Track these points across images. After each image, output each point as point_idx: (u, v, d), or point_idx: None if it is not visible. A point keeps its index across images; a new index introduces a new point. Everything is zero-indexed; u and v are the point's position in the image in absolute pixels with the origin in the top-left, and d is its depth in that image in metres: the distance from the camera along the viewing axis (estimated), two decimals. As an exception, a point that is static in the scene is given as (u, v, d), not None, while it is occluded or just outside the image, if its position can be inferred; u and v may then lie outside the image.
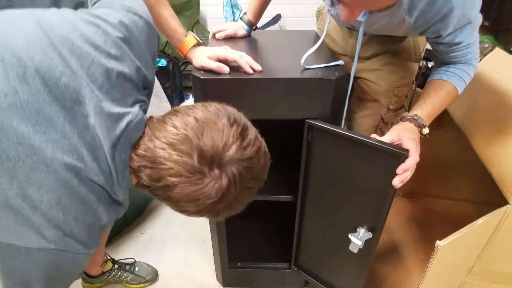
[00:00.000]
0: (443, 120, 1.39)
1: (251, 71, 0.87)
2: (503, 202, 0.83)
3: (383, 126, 1.24)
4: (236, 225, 1.50)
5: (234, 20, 2.66)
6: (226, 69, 0.87)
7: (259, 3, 1.16)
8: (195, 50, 0.93)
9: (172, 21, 0.92)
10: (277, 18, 2.77)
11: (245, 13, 1.18)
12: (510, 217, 0.83)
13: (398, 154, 0.77)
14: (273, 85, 0.86)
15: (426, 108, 0.87)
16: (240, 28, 1.16)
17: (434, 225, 1.49)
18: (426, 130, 0.86)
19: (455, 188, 1.58)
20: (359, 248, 0.94)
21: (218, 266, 1.33)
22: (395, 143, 0.80)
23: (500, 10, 2.74)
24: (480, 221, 0.81)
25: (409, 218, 1.54)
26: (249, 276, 1.35)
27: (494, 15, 2.80)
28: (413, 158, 0.78)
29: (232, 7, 2.62)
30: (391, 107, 1.19)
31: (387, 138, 0.81)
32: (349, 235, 0.94)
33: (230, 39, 1.17)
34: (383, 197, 0.85)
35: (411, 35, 1.06)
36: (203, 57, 0.89)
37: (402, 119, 0.87)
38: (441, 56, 0.92)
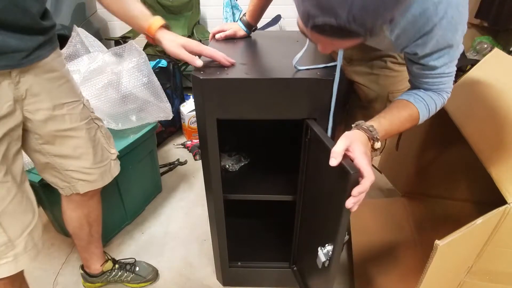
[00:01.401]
0: (442, 121, 1.40)
1: (228, 64, 0.91)
2: (502, 202, 0.83)
3: None
4: (236, 225, 1.50)
5: (234, 21, 2.66)
6: (199, 62, 0.89)
7: (257, 5, 1.16)
8: (164, 32, 0.93)
9: (136, 3, 0.92)
10: (277, 18, 2.78)
11: (244, 15, 1.18)
12: (509, 216, 0.83)
13: (346, 172, 0.69)
14: (273, 85, 0.87)
15: (384, 123, 0.80)
16: (240, 29, 1.17)
17: (433, 225, 1.50)
18: (378, 145, 0.78)
19: (454, 188, 1.58)
20: (323, 265, 0.89)
21: (218, 266, 1.33)
22: (348, 153, 0.72)
23: (499, 10, 2.74)
24: (479, 220, 0.81)
25: (408, 217, 1.55)
26: (249, 276, 1.36)
27: (493, 15, 2.81)
28: (369, 180, 0.69)
29: (232, 7, 2.62)
30: None
31: (340, 145, 0.71)
32: (318, 248, 0.90)
33: (230, 39, 1.17)
34: (339, 213, 0.78)
35: (394, 52, 1.03)
36: (176, 45, 0.90)
37: (357, 126, 0.79)
38: (413, 80, 0.87)
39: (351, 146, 0.72)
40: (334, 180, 0.78)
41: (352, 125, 0.81)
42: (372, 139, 0.77)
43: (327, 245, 0.88)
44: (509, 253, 0.90)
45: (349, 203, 0.70)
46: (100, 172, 1.11)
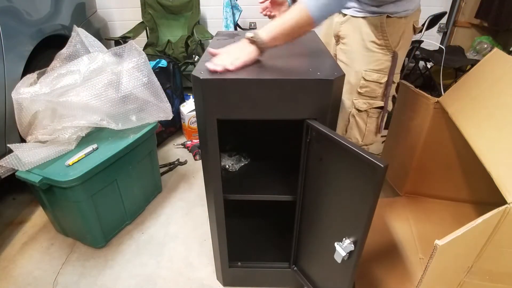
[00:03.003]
0: (444, 121, 1.40)
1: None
2: (502, 202, 0.83)
3: (356, 114, 1.23)
4: (236, 225, 1.50)
5: (234, 21, 2.66)
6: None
7: None
8: None
9: None
10: (277, 18, 2.78)
11: None
12: (509, 217, 0.83)
13: (375, 166, 0.73)
14: (273, 86, 0.87)
15: (270, 25, 0.91)
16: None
17: (433, 225, 1.50)
18: (259, 35, 0.90)
19: (454, 188, 1.58)
20: (343, 259, 0.90)
21: (219, 266, 1.33)
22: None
23: (499, 11, 2.74)
24: (479, 220, 0.81)
25: (409, 217, 1.55)
26: (249, 276, 1.36)
27: (493, 16, 2.81)
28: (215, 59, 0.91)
29: (232, 7, 2.62)
30: (360, 90, 1.19)
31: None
32: (335, 244, 0.92)
33: (231, 39, 1.18)
34: (363, 209, 0.81)
35: None
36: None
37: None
38: None
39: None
40: (356, 174, 0.81)
41: None
42: (250, 39, 0.91)
43: (345, 239, 0.89)
44: (509, 253, 0.90)
45: (209, 65, 0.89)
46: None
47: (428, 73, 2.89)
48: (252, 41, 0.91)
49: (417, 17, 1.15)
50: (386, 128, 1.54)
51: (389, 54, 1.13)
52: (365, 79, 1.17)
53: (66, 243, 1.60)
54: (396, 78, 1.20)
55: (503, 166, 0.92)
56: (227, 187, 1.12)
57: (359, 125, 1.26)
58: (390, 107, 1.25)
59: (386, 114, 1.25)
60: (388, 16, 1.07)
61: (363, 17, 1.11)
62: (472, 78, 1.30)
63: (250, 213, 1.58)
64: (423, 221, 1.52)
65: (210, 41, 1.21)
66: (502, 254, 0.91)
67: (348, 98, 1.22)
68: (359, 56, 1.16)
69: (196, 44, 2.70)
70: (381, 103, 1.21)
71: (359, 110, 1.22)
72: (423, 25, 2.61)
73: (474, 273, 0.97)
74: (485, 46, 2.94)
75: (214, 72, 0.88)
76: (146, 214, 1.78)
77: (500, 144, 0.99)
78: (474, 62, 2.51)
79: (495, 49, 1.28)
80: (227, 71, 0.89)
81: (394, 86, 1.22)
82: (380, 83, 1.17)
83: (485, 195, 1.52)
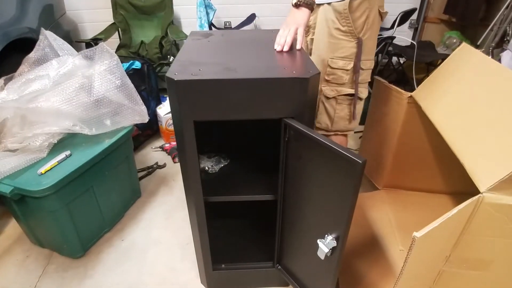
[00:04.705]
0: (417, 115, 1.43)
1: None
2: (476, 191, 0.86)
3: (324, 100, 1.26)
4: (219, 227, 1.49)
5: (208, 21, 2.64)
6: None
7: None
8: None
9: None
10: (252, 17, 2.77)
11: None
12: (482, 205, 0.86)
13: (354, 162, 0.75)
14: (249, 85, 0.86)
15: None
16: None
17: (412, 217, 1.54)
18: (294, 1, 1.03)
19: (431, 180, 1.63)
20: (326, 255, 0.92)
21: (202, 269, 1.32)
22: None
23: (465, 6, 2.84)
24: (454, 211, 0.83)
25: (388, 210, 1.58)
26: (234, 277, 1.35)
27: (460, 11, 2.91)
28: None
29: (206, 7, 2.60)
30: (327, 78, 1.22)
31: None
32: (318, 241, 0.93)
33: (206, 38, 1.17)
34: (344, 205, 0.83)
35: None
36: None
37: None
38: None
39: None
40: (335, 171, 0.82)
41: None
42: (296, 3, 1.03)
43: (327, 235, 0.90)
44: (484, 240, 0.94)
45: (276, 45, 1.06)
46: None
47: (401, 68, 2.96)
48: (298, 4, 1.02)
49: (381, 2, 1.16)
50: (362, 123, 1.56)
51: (353, 40, 1.15)
52: (331, 67, 1.19)
53: (43, 254, 1.55)
54: (366, 64, 1.21)
55: (475, 156, 0.95)
56: (207, 190, 1.11)
57: (328, 111, 1.28)
58: (365, 94, 1.27)
59: (359, 101, 1.27)
60: (350, 1, 1.09)
61: (328, 3, 1.13)
62: (443, 72, 1.33)
63: (232, 214, 1.57)
64: (402, 213, 1.56)
65: (185, 41, 1.19)
66: (477, 242, 0.94)
67: None
68: (325, 44, 1.18)
69: (170, 44, 2.66)
70: (350, 90, 1.23)
71: (327, 97, 1.25)
72: (394, 21, 2.67)
73: (452, 261, 1.00)
74: (454, 40, 3.04)
75: (281, 52, 1.05)
76: (126, 220, 1.74)
77: (471, 135, 1.03)
78: (444, 57, 2.59)
79: (463, 44, 1.32)
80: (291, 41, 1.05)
81: (366, 72, 1.23)
82: (346, 70, 1.19)
83: (461, 186, 1.57)
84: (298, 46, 1.07)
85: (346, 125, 1.31)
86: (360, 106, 1.29)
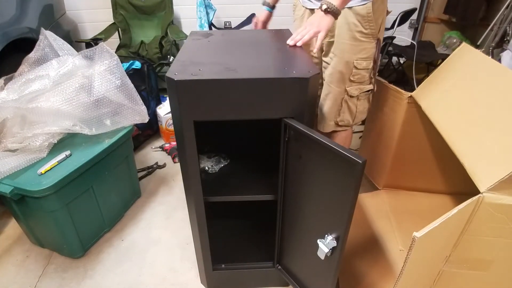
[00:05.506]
0: (417, 115, 1.43)
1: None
2: (476, 191, 0.86)
3: (348, 99, 1.33)
4: (219, 227, 1.49)
5: (208, 21, 2.64)
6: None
7: None
8: None
9: None
10: (251, 17, 2.77)
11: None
12: (482, 205, 0.86)
13: (354, 162, 0.74)
14: (249, 85, 0.86)
15: None
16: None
17: (412, 217, 1.53)
18: (324, 6, 1.03)
19: (431, 180, 1.62)
20: (326, 255, 0.92)
21: (202, 269, 1.32)
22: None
23: (466, 6, 2.84)
24: (454, 211, 0.83)
25: (388, 210, 1.58)
26: (234, 277, 1.35)
27: (460, 11, 2.91)
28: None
29: (206, 7, 2.60)
30: (352, 78, 1.27)
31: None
32: (318, 241, 0.93)
33: (206, 38, 1.16)
34: (344, 205, 0.83)
35: None
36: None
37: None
38: None
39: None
40: (335, 171, 0.82)
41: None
42: (326, 10, 1.03)
43: (327, 235, 0.90)
44: (484, 240, 0.94)
45: (289, 40, 1.08)
46: None
47: (401, 68, 2.96)
48: (328, 11, 1.03)
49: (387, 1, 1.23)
50: (362, 124, 1.57)
51: (373, 41, 1.22)
52: (356, 68, 1.25)
53: (43, 254, 1.55)
54: (378, 59, 1.30)
55: (475, 156, 0.95)
56: (207, 190, 1.11)
57: (350, 109, 1.36)
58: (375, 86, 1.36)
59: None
60: (372, 4, 1.13)
61: (349, 8, 1.15)
62: (443, 72, 1.33)
63: (232, 214, 1.57)
64: (402, 214, 1.56)
65: (185, 41, 1.19)
66: (478, 242, 0.94)
67: (338, 86, 1.30)
68: (348, 47, 1.22)
69: (170, 44, 2.66)
70: (369, 86, 1.32)
71: (351, 96, 1.31)
72: (394, 21, 2.67)
73: (452, 262, 1.00)
74: (454, 40, 3.04)
75: (294, 46, 1.08)
76: (126, 220, 1.74)
77: (471, 135, 1.02)
78: (444, 57, 2.59)
79: (463, 44, 1.32)
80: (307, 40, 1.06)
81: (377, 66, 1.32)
82: (369, 69, 1.26)
83: (461, 186, 1.57)
84: (314, 50, 1.09)
85: (363, 116, 1.41)
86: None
